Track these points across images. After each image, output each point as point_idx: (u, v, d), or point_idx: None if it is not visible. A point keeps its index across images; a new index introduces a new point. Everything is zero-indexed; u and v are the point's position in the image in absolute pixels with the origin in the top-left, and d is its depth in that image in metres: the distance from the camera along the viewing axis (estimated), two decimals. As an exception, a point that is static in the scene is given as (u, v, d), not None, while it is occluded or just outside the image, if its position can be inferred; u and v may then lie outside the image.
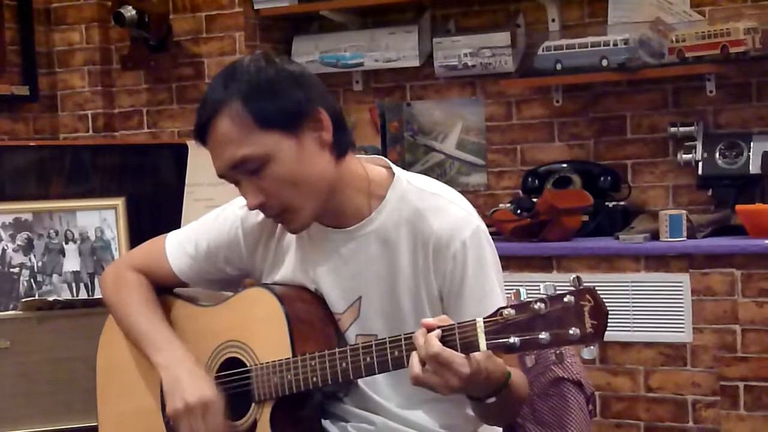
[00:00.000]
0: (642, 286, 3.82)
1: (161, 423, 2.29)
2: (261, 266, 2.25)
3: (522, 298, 1.87)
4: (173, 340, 2.25)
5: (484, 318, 1.87)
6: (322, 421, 2.18)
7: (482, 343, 1.86)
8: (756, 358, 3.66)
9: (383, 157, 2.21)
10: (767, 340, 3.64)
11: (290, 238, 2.20)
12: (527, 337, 1.83)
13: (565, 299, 1.81)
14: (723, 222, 3.94)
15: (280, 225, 2.19)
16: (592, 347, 1.83)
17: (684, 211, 3.89)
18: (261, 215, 2.18)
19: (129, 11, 4.57)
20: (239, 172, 2.03)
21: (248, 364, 2.17)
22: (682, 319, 3.77)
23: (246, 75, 2.04)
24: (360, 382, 2.14)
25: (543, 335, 1.82)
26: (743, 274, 3.66)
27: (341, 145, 2.08)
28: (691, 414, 3.78)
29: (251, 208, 2.06)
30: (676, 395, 3.79)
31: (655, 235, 3.87)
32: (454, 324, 1.89)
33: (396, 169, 2.17)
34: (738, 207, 3.86)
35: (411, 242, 2.10)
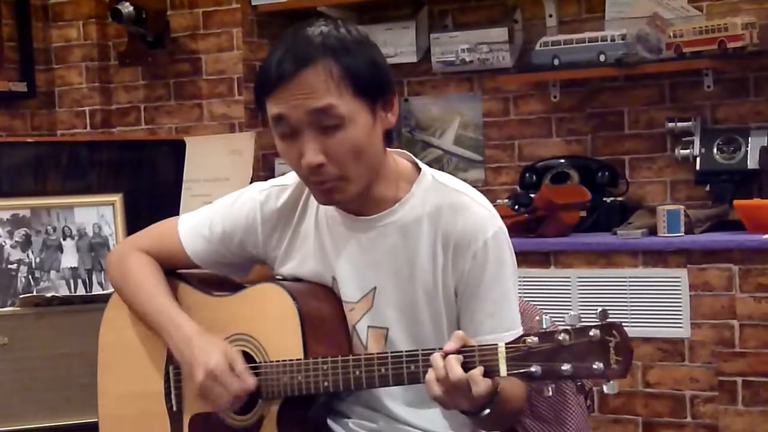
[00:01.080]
0: (640, 281, 3.82)
1: (163, 407, 2.28)
2: (275, 252, 2.24)
3: (544, 326, 1.86)
4: (179, 317, 2.22)
5: (506, 344, 1.86)
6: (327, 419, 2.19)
7: (503, 369, 1.85)
8: (754, 353, 3.66)
9: (407, 152, 2.20)
10: (765, 335, 3.65)
11: (308, 225, 2.19)
12: (549, 367, 1.82)
13: (591, 333, 1.81)
14: (721, 217, 3.94)
15: (298, 211, 2.19)
16: (613, 382, 1.82)
17: (682, 207, 3.89)
18: (280, 200, 2.19)
19: (126, 7, 4.56)
20: (312, 123, 1.99)
21: (257, 360, 2.16)
22: (680, 315, 3.77)
23: (347, 39, 2.02)
24: None
25: (565, 366, 1.81)
26: (741, 270, 3.67)
27: (390, 133, 2.09)
28: (689, 409, 3.78)
29: (310, 166, 2.00)
30: (674, 390, 3.80)
31: (652, 231, 3.88)
32: (475, 347, 1.89)
33: (421, 164, 2.17)
34: (736, 202, 3.86)
35: (432, 237, 2.09)
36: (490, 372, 1.86)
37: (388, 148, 2.14)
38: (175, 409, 2.28)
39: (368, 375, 2.00)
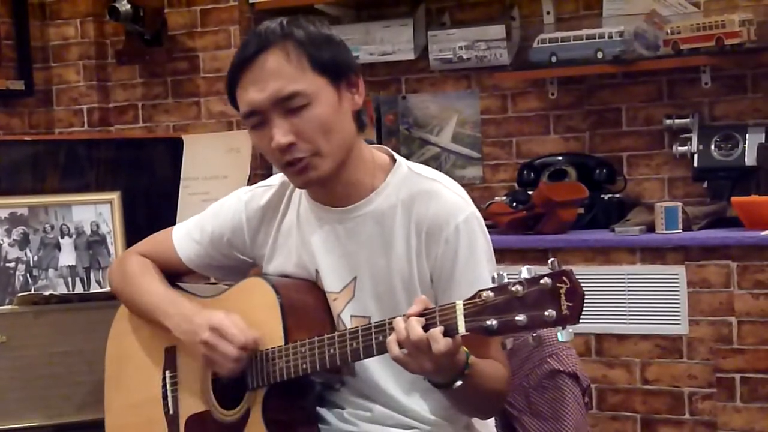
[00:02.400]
0: (638, 278, 3.82)
1: (161, 412, 2.31)
2: (262, 251, 2.28)
3: (503, 282, 1.87)
4: (176, 301, 2.29)
5: (463, 300, 1.88)
6: (319, 408, 2.20)
7: (461, 325, 1.87)
8: (752, 349, 3.66)
9: (385, 147, 2.24)
10: (763, 332, 3.65)
11: (290, 221, 2.23)
12: (505, 319, 1.83)
13: (542, 281, 1.81)
14: (719, 214, 3.94)
15: (281, 209, 2.24)
16: (569, 329, 1.83)
17: (680, 204, 3.89)
18: (264, 199, 2.25)
19: (124, 5, 4.56)
20: (278, 109, 2.05)
21: None
22: (678, 312, 3.77)
23: (303, 23, 2.11)
24: (358, 369, 2.15)
25: (520, 317, 1.82)
26: (739, 266, 3.67)
27: (361, 118, 2.14)
28: (687, 406, 3.78)
29: (280, 147, 2.05)
30: (672, 387, 3.80)
31: (650, 228, 3.88)
32: (435, 308, 1.91)
33: (398, 156, 2.20)
34: (733, 199, 3.86)
35: (405, 225, 2.13)
36: (450, 329, 1.88)
37: (369, 145, 2.19)
38: (171, 412, 2.30)
39: (341, 351, 2.02)
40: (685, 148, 4.11)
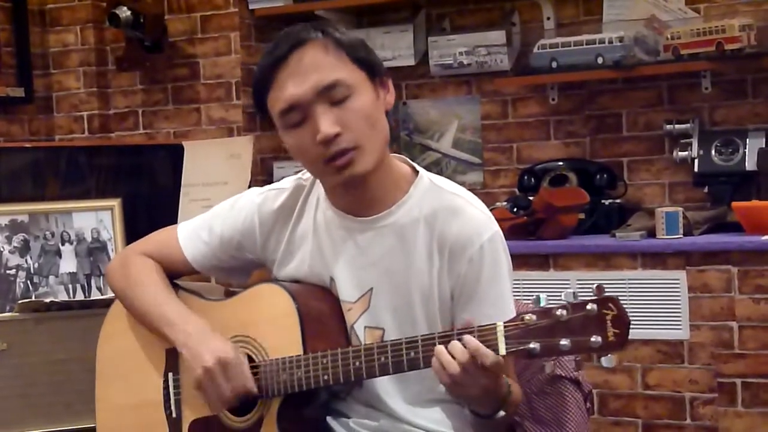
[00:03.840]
0: (639, 283, 3.82)
1: (162, 415, 2.29)
2: (273, 255, 2.25)
3: (541, 305, 1.87)
4: (184, 314, 2.24)
5: (504, 322, 1.88)
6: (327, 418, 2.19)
7: (502, 346, 1.87)
8: (753, 354, 3.66)
9: (404, 157, 2.22)
10: (764, 337, 3.64)
11: (306, 227, 2.21)
12: (547, 343, 1.83)
13: (588, 307, 1.82)
14: (719, 219, 3.94)
15: (295, 213, 2.21)
16: (611, 356, 1.84)
17: (680, 209, 3.89)
18: (277, 202, 2.22)
19: (124, 12, 4.56)
20: (322, 99, 2.01)
21: (257, 361, 2.16)
22: (679, 317, 3.77)
23: (332, 25, 2.09)
24: (364, 382, 2.14)
25: (564, 342, 1.82)
26: (740, 271, 3.67)
27: (389, 121, 2.15)
28: (688, 411, 3.78)
29: (327, 137, 2.01)
30: (673, 392, 3.80)
31: (651, 233, 3.88)
32: (474, 327, 1.91)
33: (419, 168, 2.18)
34: (734, 204, 3.86)
35: (428, 240, 2.11)
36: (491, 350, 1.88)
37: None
38: (174, 416, 2.28)
39: (368, 365, 2.00)
40: (686, 153, 4.12)
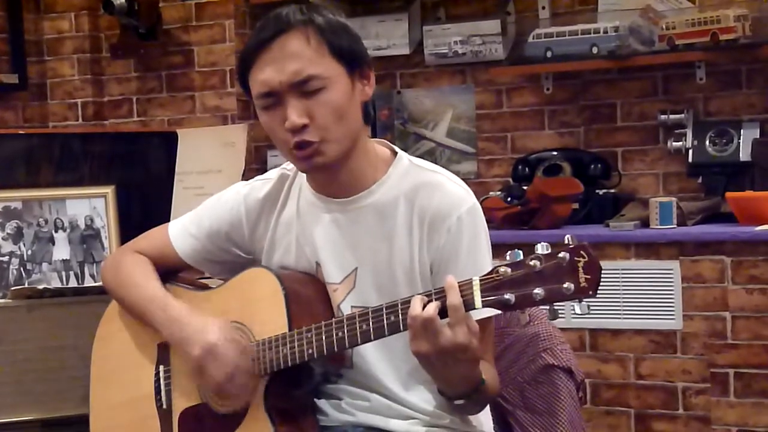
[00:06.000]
0: (632, 273, 3.82)
1: (153, 408, 2.30)
2: (261, 244, 2.27)
3: (517, 259, 1.88)
4: (167, 299, 2.27)
5: (480, 276, 1.90)
6: (316, 400, 2.19)
7: (478, 300, 1.89)
8: (746, 345, 3.67)
9: (385, 141, 2.26)
10: (757, 327, 3.65)
11: (290, 213, 2.23)
12: (522, 293, 1.85)
13: (560, 255, 1.85)
14: (713, 209, 3.95)
15: (280, 201, 2.24)
16: (585, 302, 1.85)
17: (674, 199, 3.89)
18: (263, 192, 2.26)
19: (118, -1, 4.56)
20: (295, 90, 2.07)
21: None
22: (673, 307, 3.77)
23: (322, 11, 2.13)
24: (356, 361, 2.15)
25: (538, 290, 1.85)
26: (733, 262, 3.67)
27: (367, 110, 2.16)
28: (681, 401, 3.78)
29: (294, 127, 2.07)
30: (666, 382, 3.80)
31: (645, 223, 3.88)
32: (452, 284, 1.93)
33: (398, 150, 2.22)
34: (728, 194, 3.86)
35: (408, 215, 2.14)
36: (468, 305, 1.91)
37: (369, 138, 2.19)
38: (164, 407, 2.29)
39: (350, 333, 2.03)
40: (680, 143, 4.12)
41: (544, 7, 4.33)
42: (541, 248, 1.87)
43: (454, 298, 1.91)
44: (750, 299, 3.65)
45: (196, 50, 4.70)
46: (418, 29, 4.53)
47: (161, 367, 2.31)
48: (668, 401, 3.80)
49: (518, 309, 1.88)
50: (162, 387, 2.30)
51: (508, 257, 1.89)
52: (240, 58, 2.15)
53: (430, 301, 1.93)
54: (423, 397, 2.16)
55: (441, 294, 1.93)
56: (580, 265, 1.84)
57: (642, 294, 3.81)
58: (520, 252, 1.89)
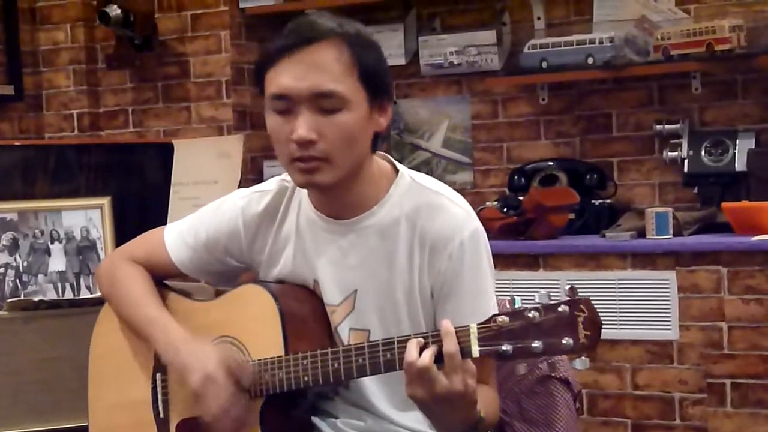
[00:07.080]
0: (628, 283, 3.82)
1: (150, 415, 2.28)
2: (259, 257, 2.24)
3: (516, 306, 1.88)
4: (167, 323, 2.22)
5: (477, 324, 1.87)
6: (312, 417, 2.18)
7: (475, 349, 1.86)
8: (742, 355, 3.67)
9: (386, 154, 2.21)
10: (753, 337, 3.65)
11: (289, 228, 2.20)
12: (520, 345, 1.83)
13: (560, 309, 1.82)
14: (709, 219, 3.95)
15: (279, 215, 2.20)
16: (584, 358, 1.84)
17: (670, 209, 3.89)
18: (261, 205, 2.21)
19: (114, 10, 4.56)
20: (311, 103, 2.00)
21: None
22: (669, 317, 3.77)
23: (358, 27, 2.08)
24: (351, 383, 2.14)
25: (536, 344, 1.82)
26: (729, 272, 3.67)
27: (377, 141, 2.11)
28: (678, 411, 3.78)
29: (301, 140, 2.01)
30: (662, 393, 3.80)
31: (641, 233, 3.88)
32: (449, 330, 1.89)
33: (399, 166, 2.18)
34: (724, 204, 3.86)
35: (409, 238, 2.10)
36: (463, 352, 1.87)
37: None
38: (161, 416, 2.28)
39: (346, 366, 2.00)
40: (676, 153, 4.12)
41: (539, 18, 4.34)
42: (540, 298, 1.84)
43: (450, 346, 1.87)
44: (746, 309, 3.65)
45: (191, 61, 4.71)
46: (413, 40, 4.53)
47: (158, 375, 2.29)
48: (665, 411, 3.80)
49: (515, 360, 1.86)
50: (159, 395, 2.29)
51: (507, 304, 1.88)
52: (262, 53, 2.08)
53: (426, 344, 1.89)
54: (417, 419, 2.13)
55: (437, 338, 1.89)
56: (580, 320, 1.82)
57: (638, 304, 3.81)
58: (519, 300, 1.88)
